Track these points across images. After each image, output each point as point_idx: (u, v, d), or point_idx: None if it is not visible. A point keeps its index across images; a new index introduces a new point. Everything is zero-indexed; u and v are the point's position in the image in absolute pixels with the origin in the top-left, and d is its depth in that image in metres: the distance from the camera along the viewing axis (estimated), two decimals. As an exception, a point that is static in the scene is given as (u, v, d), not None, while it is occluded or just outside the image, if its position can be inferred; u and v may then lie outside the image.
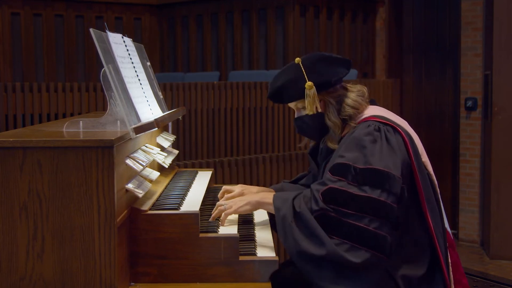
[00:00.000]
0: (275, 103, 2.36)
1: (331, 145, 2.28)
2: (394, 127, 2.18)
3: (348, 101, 2.25)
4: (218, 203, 2.29)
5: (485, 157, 5.84)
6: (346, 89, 2.29)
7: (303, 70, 2.24)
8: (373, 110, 2.27)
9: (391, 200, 2.04)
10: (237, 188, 2.46)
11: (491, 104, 5.52)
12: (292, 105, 2.33)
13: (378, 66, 7.01)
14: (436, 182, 2.28)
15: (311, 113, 2.23)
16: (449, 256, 2.25)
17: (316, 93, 2.22)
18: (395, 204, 2.05)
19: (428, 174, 2.24)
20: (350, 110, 2.23)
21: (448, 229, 2.32)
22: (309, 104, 2.22)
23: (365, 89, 2.33)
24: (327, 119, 2.26)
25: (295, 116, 2.34)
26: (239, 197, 2.33)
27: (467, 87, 6.00)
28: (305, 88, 2.22)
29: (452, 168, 6.54)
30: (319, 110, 2.23)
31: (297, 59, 2.29)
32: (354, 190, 2.04)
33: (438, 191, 2.28)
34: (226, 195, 2.43)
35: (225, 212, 2.23)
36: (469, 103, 5.94)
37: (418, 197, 2.17)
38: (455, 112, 6.41)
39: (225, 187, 2.51)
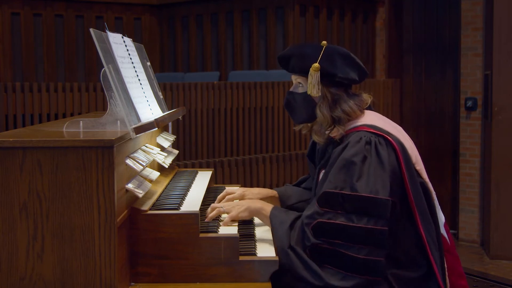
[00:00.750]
0: (281, 66, 2.35)
1: (316, 138, 2.29)
2: (386, 138, 2.17)
3: (344, 105, 2.23)
4: (212, 205, 2.29)
5: (485, 157, 5.84)
6: (348, 94, 2.27)
7: (321, 53, 2.23)
8: (366, 118, 2.26)
9: (380, 225, 2.06)
10: (238, 190, 2.48)
11: (491, 104, 5.52)
12: (293, 77, 2.32)
13: (378, 66, 7.01)
14: (431, 189, 2.28)
15: (310, 94, 2.22)
16: (445, 262, 2.25)
17: (319, 77, 2.20)
18: (385, 226, 2.07)
19: (423, 182, 2.24)
20: (341, 114, 2.22)
21: (445, 234, 2.31)
22: (309, 84, 2.21)
23: (369, 100, 2.32)
24: (318, 110, 2.25)
25: (290, 89, 2.34)
26: (239, 201, 2.33)
27: (467, 87, 6.00)
28: (311, 69, 2.21)
29: (452, 168, 6.54)
30: (316, 94, 2.22)
31: (324, 42, 2.28)
32: (341, 220, 2.07)
33: (434, 198, 2.27)
34: (227, 197, 2.44)
35: (230, 215, 2.25)
36: (469, 103, 5.94)
37: (410, 207, 2.18)
38: (455, 112, 6.42)
39: (227, 190, 2.51)
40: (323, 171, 2.27)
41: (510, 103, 5.45)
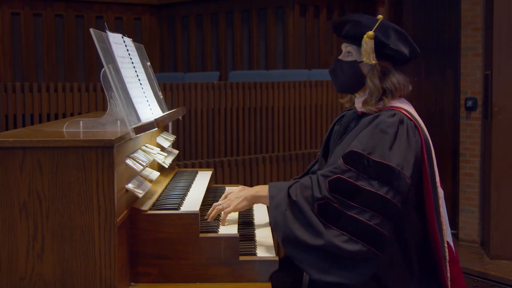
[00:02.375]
0: (334, 32, 2.34)
1: (368, 107, 2.24)
2: (416, 126, 2.18)
3: (393, 78, 2.22)
4: (215, 204, 2.28)
5: (485, 157, 5.84)
6: (396, 70, 2.26)
7: (377, 24, 2.22)
8: (402, 104, 2.26)
9: (397, 200, 2.04)
10: (238, 189, 2.45)
11: (491, 104, 5.52)
12: (344, 45, 2.31)
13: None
14: (440, 194, 2.25)
15: (367, 61, 2.20)
16: (448, 270, 2.23)
17: (372, 46, 2.19)
18: (400, 203, 2.05)
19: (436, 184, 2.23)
20: (390, 85, 2.22)
21: (451, 243, 2.28)
22: (364, 51, 2.20)
23: (410, 87, 2.31)
24: (368, 80, 2.23)
25: (339, 57, 2.32)
26: (235, 193, 2.30)
27: (467, 87, 6.00)
28: (365, 35, 2.20)
29: (452, 168, 6.54)
30: (371, 61, 2.20)
31: (380, 16, 2.27)
32: (362, 183, 2.04)
33: (441, 204, 2.25)
34: (224, 194, 2.43)
35: (225, 211, 2.22)
36: (469, 103, 5.94)
37: (422, 199, 2.16)
38: (455, 112, 6.42)
39: (228, 191, 2.48)
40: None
41: (510, 103, 5.45)
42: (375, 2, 6.92)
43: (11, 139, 1.81)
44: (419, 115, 2.31)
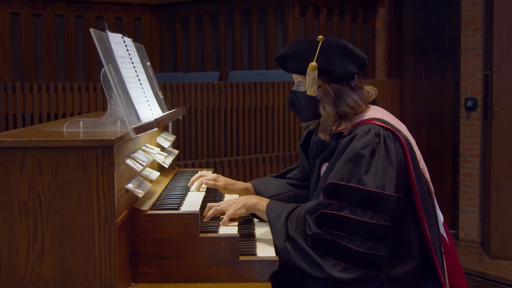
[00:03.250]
0: (279, 66, 2.33)
1: (322, 136, 2.26)
2: (394, 133, 2.16)
3: (348, 99, 2.20)
4: (209, 204, 2.28)
5: (485, 157, 5.84)
6: (351, 87, 2.23)
7: (318, 49, 2.20)
8: (374, 112, 2.24)
9: (383, 220, 2.06)
10: (213, 175, 2.49)
11: (491, 104, 5.52)
12: (294, 76, 2.30)
13: (378, 66, 7.01)
14: (432, 188, 2.28)
15: (308, 93, 2.20)
16: (444, 262, 2.25)
17: (316, 76, 2.18)
18: (389, 222, 2.07)
19: (426, 181, 2.24)
20: (346, 109, 2.19)
21: (444, 234, 2.31)
22: (308, 83, 2.19)
23: (374, 91, 2.30)
24: (321, 108, 2.22)
25: (293, 88, 2.32)
26: (235, 199, 2.33)
27: (467, 87, 6.00)
28: (308, 68, 2.18)
29: (452, 168, 6.54)
30: (315, 94, 2.20)
31: (320, 37, 2.25)
32: (346, 212, 2.07)
33: (434, 198, 2.28)
34: (200, 179, 2.47)
35: (227, 213, 2.24)
36: (469, 103, 5.94)
37: (415, 205, 2.18)
38: (455, 112, 6.42)
39: (200, 173, 2.55)
40: (326, 164, 2.25)
41: (510, 103, 5.45)
42: (375, 2, 6.92)
43: (11, 139, 1.81)
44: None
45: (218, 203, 2.28)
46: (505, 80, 5.46)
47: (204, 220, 2.22)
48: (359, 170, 2.08)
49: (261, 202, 2.27)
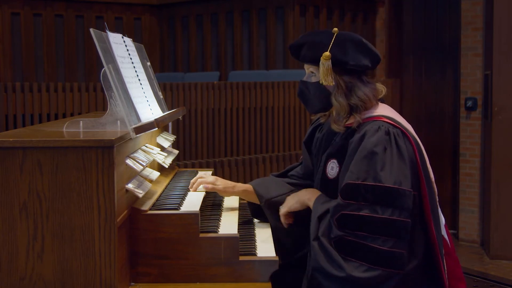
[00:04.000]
0: (292, 55, 2.33)
1: (335, 127, 2.24)
2: (403, 131, 2.15)
3: (359, 92, 2.19)
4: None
5: (485, 157, 5.83)
6: (362, 81, 2.23)
7: (332, 41, 2.20)
8: (382, 110, 2.23)
9: (404, 216, 2.04)
10: (211, 178, 2.48)
11: (491, 104, 5.52)
12: (305, 66, 2.30)
13: (378, 66, 7.00)
14: (436, 189, 2.26)
15: (324, 83, 2.19)
16: (445, 264, 2.24)
17: (330, 66, 2.17)
18: (409, 218, 2.05)
19: (432, 181, 2.23)
20: (357, 101, 2.19)
21: (446, 236, 2.30)
22: (322, 73, 2.18)
23: (383, 89, 2.30)
24: (333, 99, 2.21)
25: (303, 79, 2.31)
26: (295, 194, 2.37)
27: (467, 87, 6.00)
28: (321, 57, 2.18)
29: (452, 168, 6.54)
30: (329, 83, 2.19)
31: (335, 29, 2.25)
32: (365, 211, 2.05)
33: (437, 199, 2.26)
34: (199, 180, 2.49)
35: (285, 207, 2.33)
36: (469, 103, 5.94)
37: (422, 204, 2.16)
38: (455, 112, 6.41)
39: (200, 174, 2.60)
40: (332, 160, 2.25)
41: (510, 103, 5.45)
42: (375, 2, 6.92)
43: (11, 139, 1.81)
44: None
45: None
46: (505, 80, 5.46)
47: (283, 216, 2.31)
48: (374, 168, 2.06)
49: (312, 198, 2.29)
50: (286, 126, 5.47)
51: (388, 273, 2.02)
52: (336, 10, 6.64)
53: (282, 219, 2.33)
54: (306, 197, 2.29)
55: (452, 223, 6.24)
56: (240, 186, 2.49)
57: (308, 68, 2.28)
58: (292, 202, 2.31)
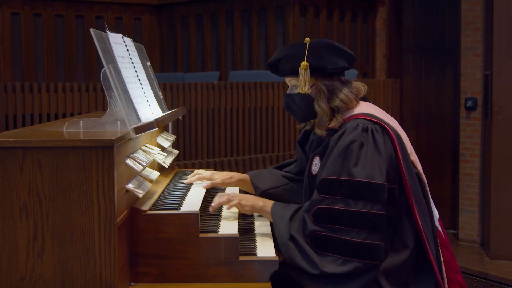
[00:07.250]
0: (272, 73, 2.40)
1: (318, 131, 2.32)
2: (383, 126, 2.21)
3: (340, 94, 2.28)
4: (220, 193, 2.33)
5: (485, 157, 5.83)
6: (342, 82, 2.32)
7: (306, 50, 2.28)
8: (363, 107, 2.30)
9: (376, 209, 2.10)
10: (207, 173, 2.56)
11: (491, 104, 5.52)
12: (287, 80, 2.39)
13: (378, 66, 7.01)
14: (425, 181, 2.32)
15: (302, 92, 2.28)
16: (441, 255, 2.27)
17: (309, 74, 2.26)
18: (382, 211, 2.11)
19: (418, 173, 2.27)
20: (339, 103, 2.27)
21: (439, 227, 2.35)
22: (301, 82, 2.26)
23: (363, 87, 2.37)
24: (316, 105, 2.30)
25: (287, 92, 2.39)
26: (246, 195, 2.38)
27: (467, 87, 6.00)
28: (299, 67, 2.26)
29: (452, 168, 6.54)
30: (309, 92, 2.27)
31: (307, 39, 2.33)
32: (340, 205, 2.12)
33: (428, 190, 2.32)
34: (197, 176, 2.55)
35: (233, 202, 2.28)
36: (469, 103, 5.94)
37: (406, 197, 2.21)
38: (455, 112, 6.41)
39: (197, 171, 2.63)
40: (317, 157, 2.31)
41: (510, 103, 5.45)
42: (375, 2, 6.92)
43: (11, 139, 1.81)
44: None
45: (231, 193, 2.32)
46: (505, 80, 5.46)
47: (212, 208, 2.26)
48: (348, 163, 2.14)
49: (268, 204, 2.31)
50: (286, 126, 5.47)
51: (363, 264, 2.08)
52: (336, 10, 6.64)
53: (216, 203, 2.28)
54: (261, 204, 2.31)
55: (452, 223, 6.24)
56: (238, 175, 2.59)
57: (289, 81, 2.37)
58: (243, 204, 2.29)
